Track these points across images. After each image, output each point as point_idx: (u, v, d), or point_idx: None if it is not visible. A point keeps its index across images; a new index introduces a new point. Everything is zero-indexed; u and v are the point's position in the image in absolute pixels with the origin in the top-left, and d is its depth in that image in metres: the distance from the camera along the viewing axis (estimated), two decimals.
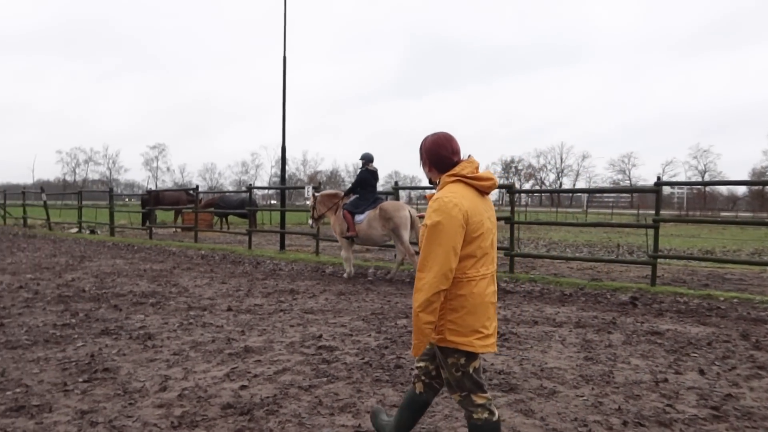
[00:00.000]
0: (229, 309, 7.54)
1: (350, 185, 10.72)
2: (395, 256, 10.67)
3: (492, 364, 5.07)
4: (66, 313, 7.24)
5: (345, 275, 10.53)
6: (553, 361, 5.18)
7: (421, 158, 2.92)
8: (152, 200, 21.16)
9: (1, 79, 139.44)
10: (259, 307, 7.74)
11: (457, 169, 2.79)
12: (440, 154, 2.84)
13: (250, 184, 16.16)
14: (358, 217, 10.32)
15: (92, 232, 21.49)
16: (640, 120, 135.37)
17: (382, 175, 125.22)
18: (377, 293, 8.86)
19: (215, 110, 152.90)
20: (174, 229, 22.27)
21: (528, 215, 41.61)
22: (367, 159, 10.57)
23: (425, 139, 2.91)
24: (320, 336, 6.05)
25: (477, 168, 2.83)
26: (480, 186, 2.79)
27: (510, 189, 9.96)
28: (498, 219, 11.23)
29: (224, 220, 23.60)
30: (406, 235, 9.87)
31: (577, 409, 4.05)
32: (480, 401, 2.80)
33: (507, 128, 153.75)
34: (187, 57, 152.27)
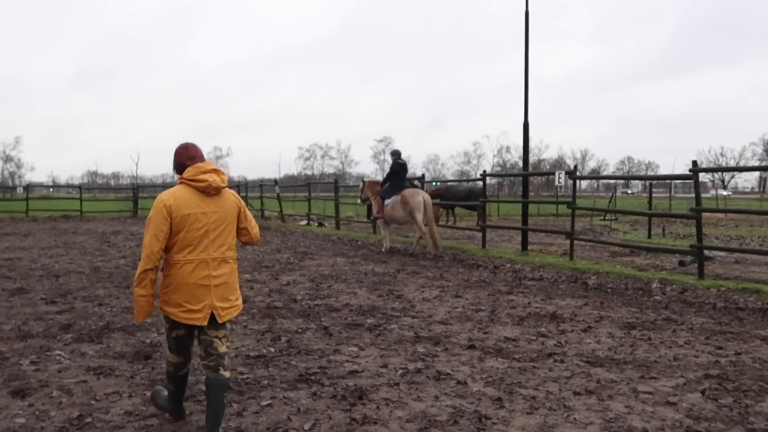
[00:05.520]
0: (472, 345, 5.25)
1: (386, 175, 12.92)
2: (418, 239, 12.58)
3: None
4: (267, 335, 5.66)
5: (383, 249, 12.65)
6: None
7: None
8: None
9: (281, 87, 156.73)
10: (513, 343, 5.33)
11: (183, 173, 3.39)
12: (177, 161, 3.47)
13: (484, 171, 13.84)
14: (387, 202, 12.39)
15: (320, 224, 21.30)
16: None
17: (613, 162, 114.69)
18: (689, 329, 5.83)
19: (456, 102, 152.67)
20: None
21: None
22: (396, 154, 12.78)
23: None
24: None
25: (204, 171, 3.36)
26: (196, 186, 3.34)
27: None
28: None
29: (451, 212, 21.78)
30: (419, 216, 11.70)
31: None
32: (170, 359, 3.55)
33: None
34: (448, 52, 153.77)
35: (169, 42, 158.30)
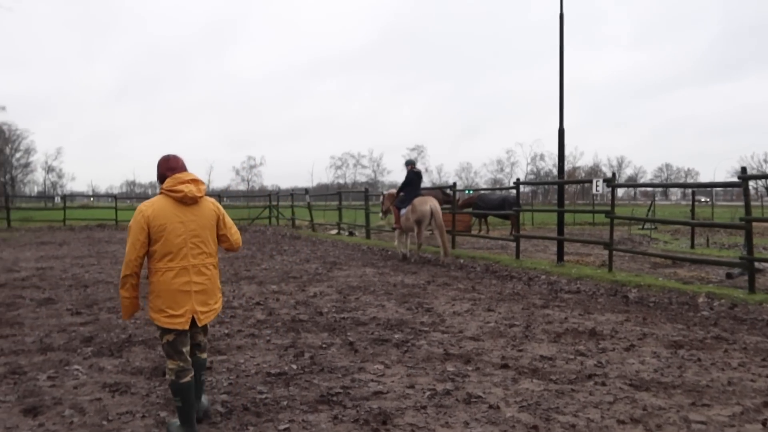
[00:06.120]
0: (505, 364, 4.93)
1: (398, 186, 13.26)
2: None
3: None
4: (290, 351, 5.43)
5: (406, 256, 12.81)
6: None
7: None
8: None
9: (316, 97, 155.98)
10: (549, 363, 4.99)
11: (163, 184, 3.57)
12: (158, 172, 3.64)
13: (518, 179, 13.47)
14: (402, 211, 12.64)
15: (350, 233, 21.11)
16: None
17: (651, 169, 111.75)
18: (742, 348, 5.39)
19: (491, 110, 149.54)
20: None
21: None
22: (411, 163, 12.88)
23: None
24: None
25: (181, 182, 3.53)
26: (174, 197, 3.51)
27: None
28: None
29: (483, 221, 21.35)
30: (424, 225, 12.21)
31: None
32: (170, 365, 3.54)
33: None
34: (484, 60, 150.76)
35: (208, 55, 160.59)
